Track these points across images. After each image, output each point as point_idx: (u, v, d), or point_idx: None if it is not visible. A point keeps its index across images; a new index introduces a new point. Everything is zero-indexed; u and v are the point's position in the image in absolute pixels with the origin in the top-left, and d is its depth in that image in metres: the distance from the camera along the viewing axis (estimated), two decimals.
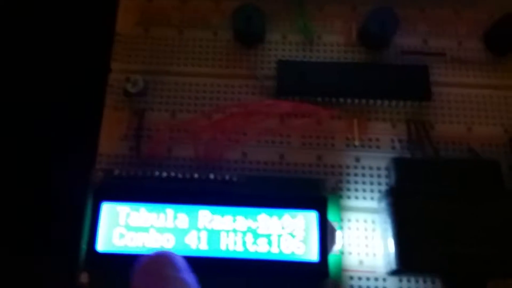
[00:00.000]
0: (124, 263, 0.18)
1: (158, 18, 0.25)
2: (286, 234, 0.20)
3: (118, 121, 0.24)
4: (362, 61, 0.25)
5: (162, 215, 0.20)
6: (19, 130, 0.25)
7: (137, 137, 0.23)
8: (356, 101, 0.23)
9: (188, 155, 0.23)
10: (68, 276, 0.20)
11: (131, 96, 0.24)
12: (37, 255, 0.22)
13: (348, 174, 0.22)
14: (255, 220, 0.20)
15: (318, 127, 0.23)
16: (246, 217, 0.20)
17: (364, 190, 0.22)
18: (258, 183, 0.21)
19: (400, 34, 0.24)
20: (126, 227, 0.20)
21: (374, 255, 0.21)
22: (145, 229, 0.20)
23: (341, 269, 0.20)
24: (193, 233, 0.20)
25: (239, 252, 0.20)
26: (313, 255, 0.20)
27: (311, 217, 0.20)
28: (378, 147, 0.23)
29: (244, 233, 0.20)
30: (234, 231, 0.20)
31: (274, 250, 0.20)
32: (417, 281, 0.20)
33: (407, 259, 0.19)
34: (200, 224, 0.20)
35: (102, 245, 0.20)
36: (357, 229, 0.21)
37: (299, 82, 0.24)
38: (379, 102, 0.23)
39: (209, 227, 0.20)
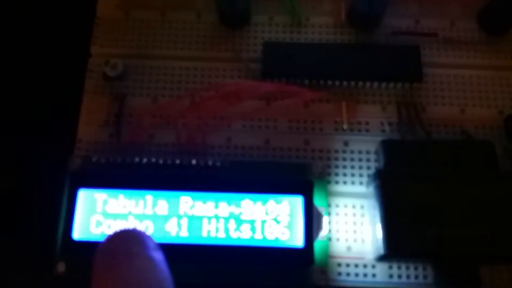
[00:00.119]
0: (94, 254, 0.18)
1: (139, 0, 0.25)
2: (270, 220, 0.20)
3: (97, 106, 0.23)
4: (352, 42, 0.24)
5: (141, 201, 0.20)
6: None
7: (117, 123, 0.23)
8: (345, 83, 0.23)
9: (170, 140, 0.22)
10: (45, 265, 0.20)
11: (110, 81, 0.23)
12: (12, 243, 0.22)
13: (336, 159, 0.22)
14: (238, 206, 0.20)
15: (306, 110, 0.23)
16: (229, 203, 0.20)
17: (352, 175, 0.22)
18: (242, 168, 0.21)
19: (390, 14, 0.24)
20: (104, 215, 0.20)
21: (363, 241, 0.21)
22: (123, 216, 0.20)
23: (327, 255, 0.20)
24: (173, 220, 0.20)
25: (221, 239, 0.19)
26: (298, 241, 0.19)
27: (296, 202, 0.20)
28: (367, 130, 0.23)
29: (226, 219, 0.20)
30: (216, 217, 0.20)
31: (258, 236, 0.19)
32: (407, 268, 0.20)
33: (395, 243, 0.18)
34: (181, 211, 0.20)
35: (78, 233, 0.19)
36: (345, 214, 0.21)
37: (285, 64, 0.23)
38: (368, 84, 0.23)
39: (190, 213, 0.20)
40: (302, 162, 0.22)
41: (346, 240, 0.21)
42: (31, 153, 0.23)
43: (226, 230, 0.19)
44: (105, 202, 0.20)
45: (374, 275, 0.20)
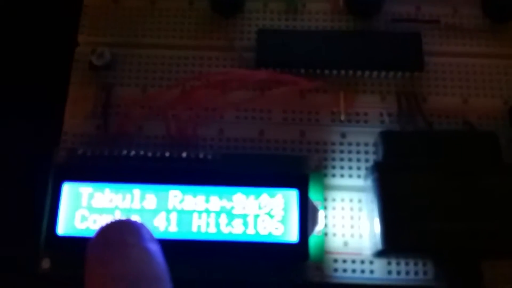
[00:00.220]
0: (86, 248, 0.17)
1: None
2: (263, 214, 0.19)
3: (84, 97, 0.23)
4: (350, 29, 0.24)
5: (128, 195, 0.19)
6: None
7: (104, 114, 0.22)
8: (343, 72, 0.23)
9: (160, 132, 0.22)
10: (30, 262, 0.20)
11: (97, 70, 0.23)
12: None
13: (333, 151, 0.22)
14: (230, 199, 0.19)
15: (301, 101, 0.23)
16: (220, 197, 0.19)
17: (350, 168, 0.21)
18: (234, 161, 0.20)
19: (390, 0, 0.24)
20: (89, 209, 0.19)
21: (360, 236, 0.20)
22: (109, 211, 0.19)
23: (323, 251, 0.19)
24: (162, 214, 0.19)
25: (211, 234, 0.19)
26: (292, 236, 0.19)
27: (291, 195, 0.19)
28: (366, 121, 0.22)
29: (217, 213, 0.19)
30: (207, 211, 0.19)
31: (250, 231, 0.19)
32: (407, 264, 0.20)
33: (394, 238, 0.18)
34: (170, 205, 0.19)
35: (63, 228, 0.19)
36: (342, 208, 0.21)
37: (281, 53, 0.23)
38: (367, 73, 0.23)
39: (180, 207, 0.19)
40: (298, 155, 0.21)
41: (343, 235, 0.20)
42: (15, 145, 0.23)
43: (217, 225, 0.19)
44: (90, 196, 0.19)
45: (372, 272, 0.20)
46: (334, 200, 0.21)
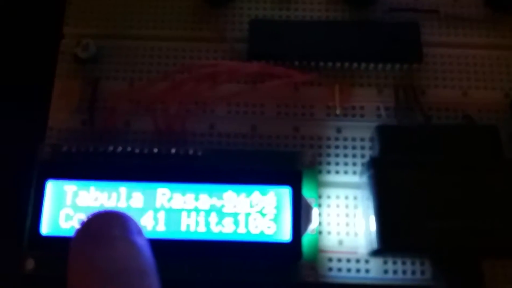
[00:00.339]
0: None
1: None
2: (255, 213, 0.19)
3: (70, 91, 0.22)
4: (345, 19, 0.23)
5: (114, 194, 0.19)
6: None
7: (90, 109, 0.22)
8: (338, 64, 0.22)
9: (148, 128, 0.21)
10: (14, 263, 0.19)
11: (83, 63, 0.22)
12: None
13: (328, 147, 0.21)
14: (220, 198, 0.19)
15: (295, 94, 0.22)
16: (210, 195, 0.19)
17: (345, 164, 0.21)
18: (225, 158, 0.20)
19: None
20: (73, 208, 0.19)
21: (356, 234, 0.20)
22: (94, 210, 0.19)
23: (317, 250, 0.19)
24: (150, 213, 0.19)
25: (201, 234, 0.18)
26: (285, 235, 0.18)
27: (283, 193, 0.19)
28: (362, 115, 0.22)
29: (207, 212, 0.19)
30: (196, 210, 0.19)
31: (241, 230, 0.18)
32: (403, 263, 0.19)
33: (390, 237, 0.17)
34: (158, 203, 0.19)
35: (46, 228, 0.19)
36: (337, 206, 0.20)
37: (274, 44, 0.22)
38: (363, 65, 0.22)
39: (168, 206, 0.19)
40: (291, 151, 0.21)
41: (338, 233, 0.20)
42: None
43: (207, 224, 0.19)
44: (75, 195, 0.19)
45: (367, 271, 0.19)
46: (328, 197, 0.20)
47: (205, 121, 0.22)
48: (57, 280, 0.16)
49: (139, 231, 0.15)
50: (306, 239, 0.19)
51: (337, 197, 0.20)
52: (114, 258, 0.14)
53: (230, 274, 0.19)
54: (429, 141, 0.19)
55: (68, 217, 0.19)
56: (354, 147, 0.21)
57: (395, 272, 0.19)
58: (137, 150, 0.20)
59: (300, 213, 0.19)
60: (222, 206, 0.19)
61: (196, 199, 0.19)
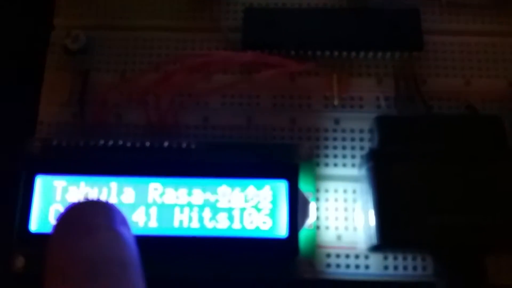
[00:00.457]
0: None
1: None
2: (250, 208, 0.18)
3: (60, 84, 0.22)
4: (343, 6, 0.22)
5: (104, 189, 0.18)
6: None
7: (81, 102, 0.21)
8: (336, 53, 0.21)
9: (140, 121, 0.21)
10: (3, 261, 0.19)
11: (73, 55, 0.22)
12: None
13: (326, 138, 0.21)
14: (214, 192, 0.18)
15: (292, 85, 0.21)
16: (203, 190, 0.18)
17: (344, 157, 0.20)
18: (220, 151, 0.19)
19: None
20: (63, 204, 0.18)
21: (355, 229, 0.19)
22: None
23: (315, 245, 0.18)
24: (141, 209, 0.18)
25: (194, 230, 0.18)
26: (281, 231, 0.18)
27: (279, 187, 0.18)
28: (361, 106, 0.21)
29: (201, 207, 0.18)
30: (190, 205, 0.18)
31: (236, 226, 0.18)
32: (404, 258, 0.19)
33: (389, 233, 0.17)
34: (150, 199, 0.18)
35: (36, 225, 0.18)
36: (336, 200, 0.20)
37: (269, 33, 0.22)
38: (362, 54, 0.21)
39: (160, 201, 0.18)
40: (288, 143, 0.20)
41: (336, 228, 0.19)
42: None
43: (201, 219, 0.18)
44: (64, 190, 0.18)
45: (367, 267, 0.19)
46: (326, 191, 0.20)
47: (199, 113, 0.21)
48: None
49: (124, 221, 0.14)
50: (303, 235, 0.18)
51: (335, 190, 0.20)
52: (94, 247, 0.13)
53: (224, 271, 0.18)
54: (431, 132, 0.19)
55: (57, 214, 0.18)
56: (352, 139, 0.21)
57: (395, 268, 0.19)
58: (128, 144, 0.19)
59: (297, 208, 0.18)
60: (216, 201, 0.18)
61: (189, 194, 0.18)
